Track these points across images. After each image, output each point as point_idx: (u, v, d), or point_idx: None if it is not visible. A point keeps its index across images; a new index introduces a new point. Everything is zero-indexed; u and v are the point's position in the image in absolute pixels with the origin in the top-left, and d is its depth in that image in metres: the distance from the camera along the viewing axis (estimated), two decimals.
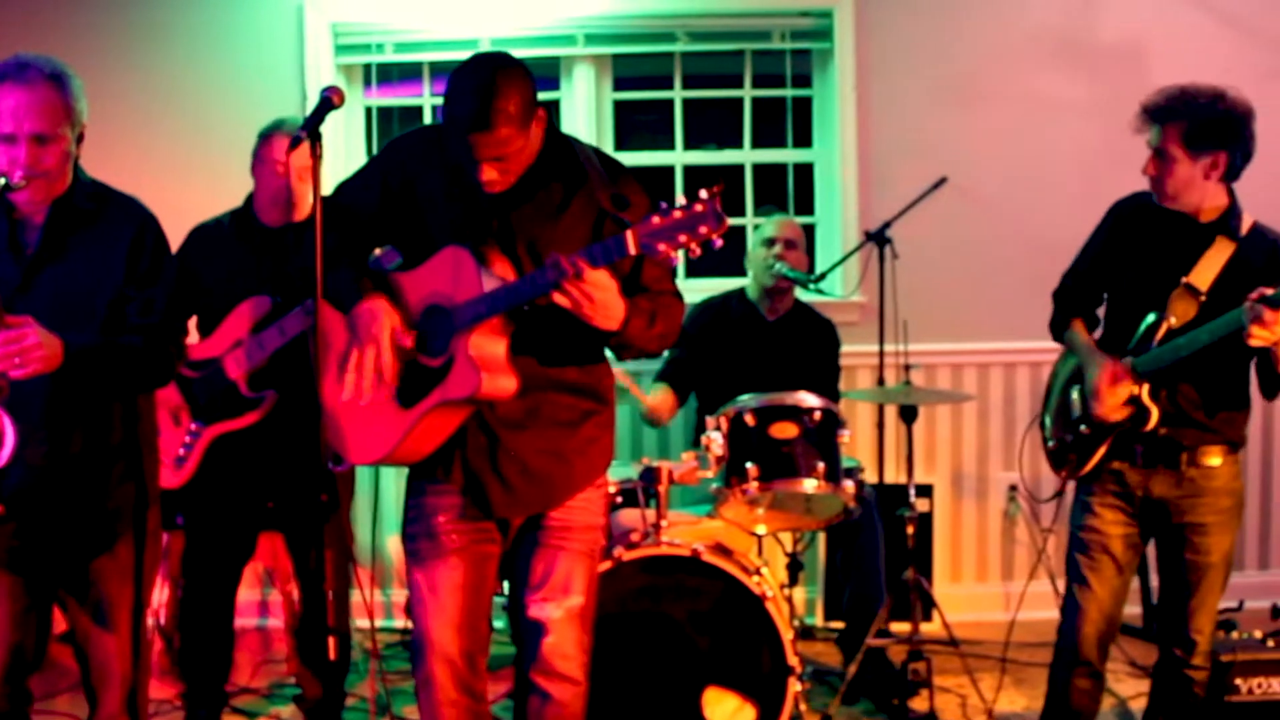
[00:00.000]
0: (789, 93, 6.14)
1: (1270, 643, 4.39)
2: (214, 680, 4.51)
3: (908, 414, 4.91)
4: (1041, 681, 4.15)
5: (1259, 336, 3.46)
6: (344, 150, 6.01)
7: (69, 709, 4.73)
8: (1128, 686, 5.03)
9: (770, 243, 5.24)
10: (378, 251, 3.49)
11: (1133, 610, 5.07)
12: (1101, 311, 4.04)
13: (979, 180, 5.83)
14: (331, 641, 3.58)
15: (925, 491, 5.74)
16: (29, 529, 3.30)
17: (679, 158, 6.20)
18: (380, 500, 5.66)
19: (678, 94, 6.16)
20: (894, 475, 5.53)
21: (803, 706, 4.39)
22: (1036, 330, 4.19)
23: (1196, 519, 3.79)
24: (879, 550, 5.08)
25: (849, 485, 4.51)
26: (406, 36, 5.96)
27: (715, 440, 4.46)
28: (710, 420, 4.53)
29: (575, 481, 3.38)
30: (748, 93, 6.15)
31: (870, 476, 5.22)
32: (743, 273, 5.51)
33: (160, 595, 5.00)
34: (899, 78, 5.91)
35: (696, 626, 4.19)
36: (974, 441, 6.02)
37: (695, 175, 6.09)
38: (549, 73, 6.07)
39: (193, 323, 4.40)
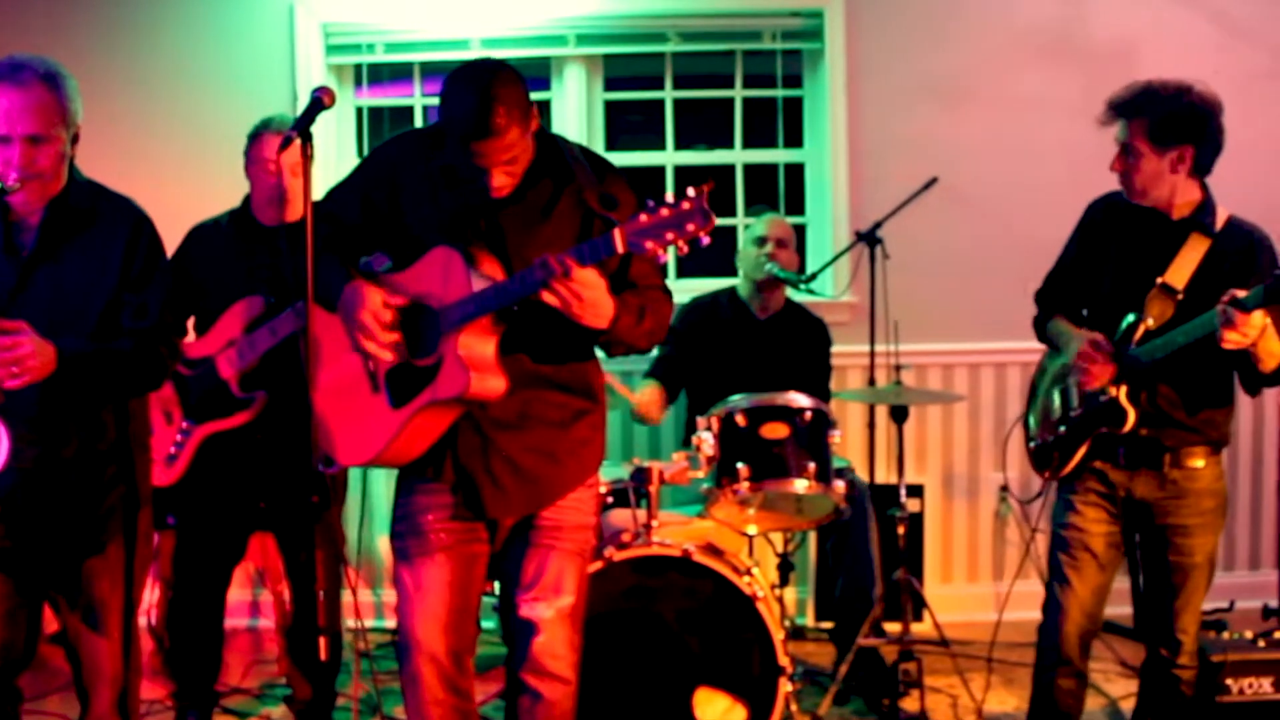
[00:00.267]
0: (780, 93, 6.15)
1: (1261, 643, 4.38)
2: (204, 680, 4.51)
3: (899, 414, 4.92)
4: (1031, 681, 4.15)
5: (1231, 340, 3.42)
6: (335, 150, 6.00)
7: (60, 709, 4.71)
8: (1118, 686, 5.03)
9: (761, 242, 5.25)
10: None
11: (1123, 610, 5.08)
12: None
13: (970, 180, 5.83)
14: (322, 642, 3.58)
15: (916, 492, 5.74)
16: (20, 530, 3.30)
17: (670, 158, 6.20)
18: (370, 500, 5.65)
19: (669, 94, 6.16)
20: (885, 475, 5.52)
21: (793, 707, 4.39)
22: (1027, 330, 4.18)
23: (1179, 521, 3.78)
24: (870, 540, 5.07)
25: (840, 485, 4.51)
26: (397, 37, 5.95)
27: (706, 440, 4.46)
28: (701, 420, 4.53)
29: (567, 481, 3.39)
30: (739, 93, 6.15)
31: (861, 477, 5.22)
32: (733, 272, 5.52)
33: (151, 595, 4.99)
34: (890, 78, 5.91)
35: (687, 627, 4.19)
36: (965, 442, 6.02)
37: (686, 175, 6.10)
38: (540, 73, 6.08)
39: (190, 321, 4.41)
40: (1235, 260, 3.65)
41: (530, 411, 3.32)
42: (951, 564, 6.06)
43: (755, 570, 4.42)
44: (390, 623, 5.70)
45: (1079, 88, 5.83)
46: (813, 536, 5.63)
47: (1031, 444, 4.08)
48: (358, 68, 6.09)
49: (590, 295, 3.03)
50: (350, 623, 4.60)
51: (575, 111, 6.07)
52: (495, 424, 3.30)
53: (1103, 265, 3.88)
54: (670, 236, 2.90)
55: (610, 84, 6.15)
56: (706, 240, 2.92)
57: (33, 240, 3.28)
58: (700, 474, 4.47)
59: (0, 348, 3.04)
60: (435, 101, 3.41)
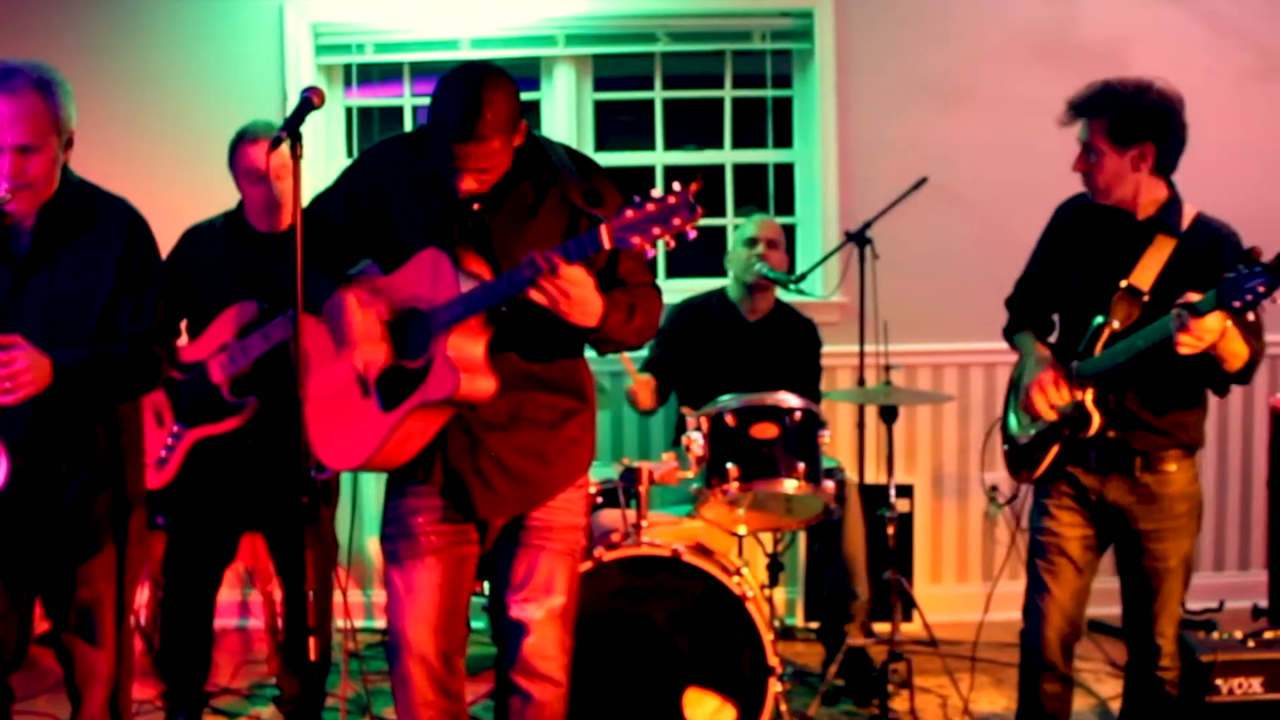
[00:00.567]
0: (769, 93, 6.15)
1: (1251, 643, 4.38)
2: (194, 681, 4.50)
3: (888, 414, 4.92)
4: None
5: (1186, 345, 3.36)
6: (324, 151, 5.99)
7: (49, 709, 4.71)
8: (1107, 687, 5.03)
9: (751, 242, 5.24)
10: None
11: (1112, 610, 5.06)
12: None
13: (960, 180, 5.83)
14: (312, 642, 3.57)
15: (906, 492, 5.74)
16: (11, 534, 3.28)
17: (659, 158, 6.19)
18: (360, 502, 5.65)
19: (658, 94, 6.15)
20: (874, 476, 5.54)
21: (783, 707, 4.38)
22: None
23: (1152, 525, 3.75)
24: (845, 538, 5.05)
25: (829, 485, 4.51)
26: (387, 37, 5.94)
27: (696, 440, 4.45)
28: (691, 420, 4.53)
29: (557, 482, 3.39)
30: (728, 93, 6.15)
31: (851, 477, 5.22)
32: (722, 273, 5.51)
33: (141, 596, 4.98)
34: (880, 78, 5.91)
35: (677, 627, 4.18)
36: (954, 442, 6.03)
37: (676, 175, 6.01)
38: (529, 73, 6.07)
39: (183, 324, 4.40)
40: (1201, 260, 3.61)
41: (520, 412, 3.32)
42: (941, 564, 6.06)
43: (745, 570, 4.42)
44: (380, 623, 5.69)
45: (1070, 88, 5.74)
46: (802, 537, 5.62)
47: (1005, 446, 4.07)
48: (347, 68, 6.08)
49: (578, 293, 3.03)
50: (340, 623, 4.60)
51: (564, 112, 6.07)
52: (485, 425, 3.30)
53: (1072, 266, 3.85)
54: (657, 231, 2.91)
55: (600, 84, 6.15)
56: (693, 234, 2.93)
57: (26, 246, 3.25)
58: (690, 474, 4.47)
59: None
60: (425, 102, 3.40)
